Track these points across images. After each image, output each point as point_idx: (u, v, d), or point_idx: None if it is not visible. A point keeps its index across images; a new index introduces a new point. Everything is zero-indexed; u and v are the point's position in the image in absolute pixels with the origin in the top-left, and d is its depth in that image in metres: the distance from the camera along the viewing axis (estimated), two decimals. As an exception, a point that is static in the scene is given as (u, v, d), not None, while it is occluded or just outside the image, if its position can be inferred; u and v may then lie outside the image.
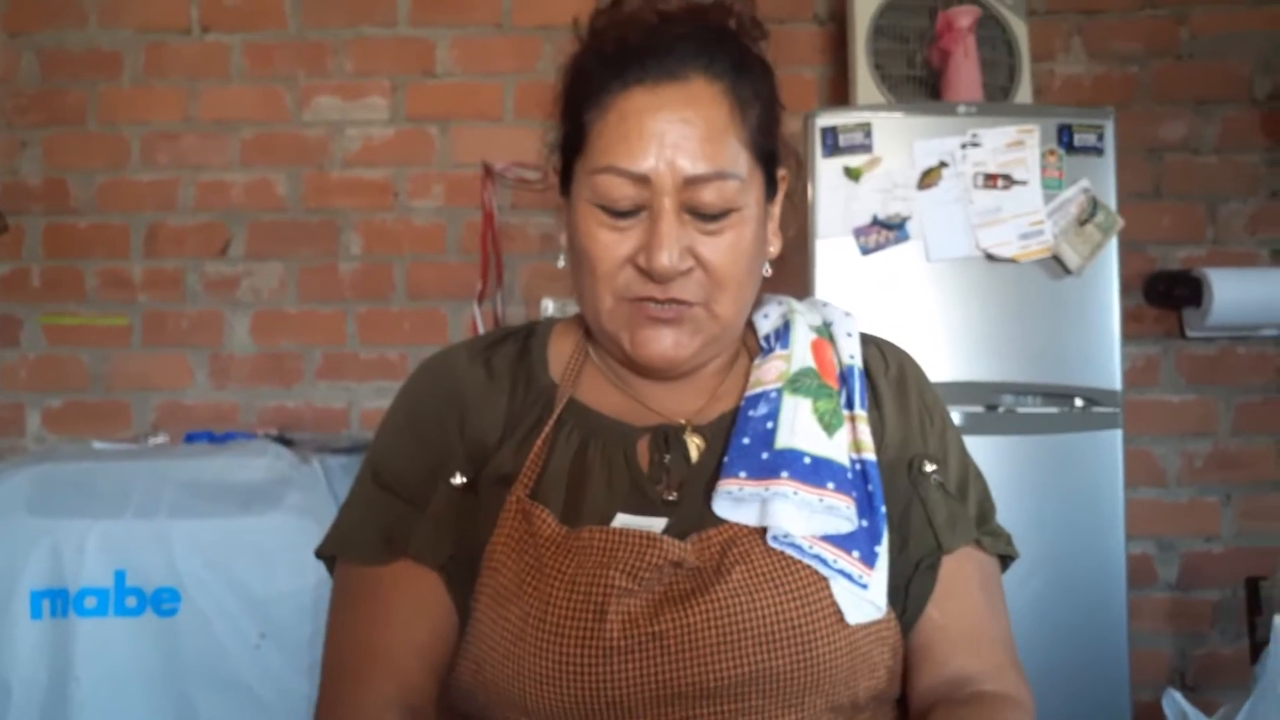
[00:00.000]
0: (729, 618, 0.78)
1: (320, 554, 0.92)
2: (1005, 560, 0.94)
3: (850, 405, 0.89)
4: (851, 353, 0.93)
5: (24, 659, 1.90)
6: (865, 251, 2.04)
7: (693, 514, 0.85)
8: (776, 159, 0.91)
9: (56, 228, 2.66)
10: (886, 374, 0.94)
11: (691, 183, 0.82)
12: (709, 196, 0.83)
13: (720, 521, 0.83)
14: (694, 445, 0.89)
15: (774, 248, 0.94)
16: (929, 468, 0.90)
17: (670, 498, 0.86)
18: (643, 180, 0.82)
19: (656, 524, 0.84)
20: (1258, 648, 2.21)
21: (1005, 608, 0.91)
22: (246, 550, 1.95)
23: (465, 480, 0.88)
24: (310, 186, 2.66)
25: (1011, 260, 2.03)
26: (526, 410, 0.91)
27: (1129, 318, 2.44)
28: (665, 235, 0.82)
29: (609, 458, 0.88)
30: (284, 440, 2.32)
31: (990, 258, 2.04)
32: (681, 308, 0.85)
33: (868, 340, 0.96)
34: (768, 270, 0.93)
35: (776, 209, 0.94)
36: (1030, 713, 0.84)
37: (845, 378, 0.91)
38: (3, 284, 2.66)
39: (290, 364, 2.65)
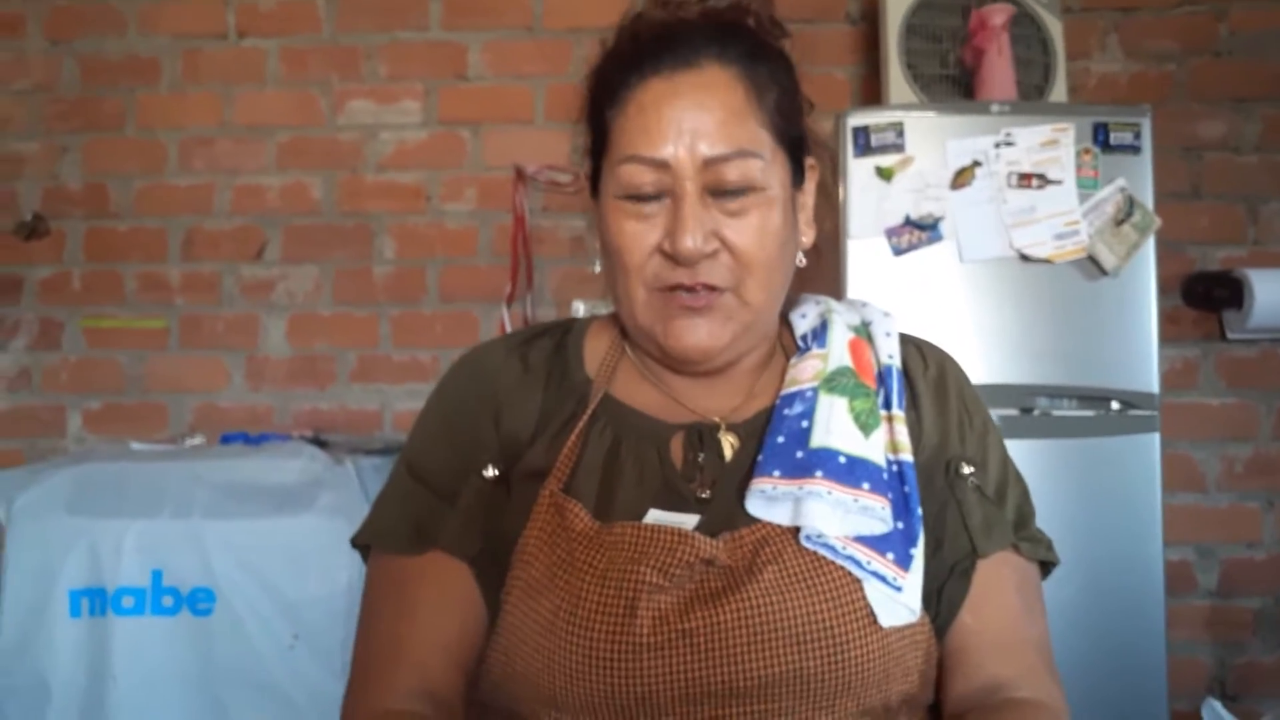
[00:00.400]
0: (760, 617, 0.78)
1: (355, 543, 0.93)
2: (1046, 566, 0.92)
3: (888, 405, 0.89)
4: (890, 352, 0.92)
5: (63, 658, 1.93)
6: (898, 252, 2.03)
7: (725, 512, 0.84)
8: (803, 146, 0.91)
9: (96, 232, 2.71)
10: (925, 374, 0.93)
11: (711, 164, 0.83)
12: (731, 175, 0.83)
13: (753, 520, 0.83)
14: (728, 443, 0.89)
15: (807, 238, 0.93)
16: (966, 470, 0.89)
17: (703, 495, 0.86)
18: (663, 166, 0.83)
19: (688, 521, 0.84)
20: (1301, 655, 2.18)
21: (1043, 614, 0.90)
22: (280, 551, 1.97)
23: (498, 473, 0.88)
24: (344, 190, 2.69)
25: (1046, 261, 2.02)
26: (561, 405, 0.91)
27: (1167, 320, 2.40)
28: (688, 217, 0.83)
29: (642, 454, 0.88)
30: (318, 442, 2.34)
31: (1024, 258, 2.02)
32: (712, 295, 0.85)
33: (907, 340, 0.95)
34: (801, 260, 0.92)
35: (808, 198, 0.94)
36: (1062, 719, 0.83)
37: (883, 377, 0.91)
38: (45, 287, 2.71)
39: (324, 366, 2.68)
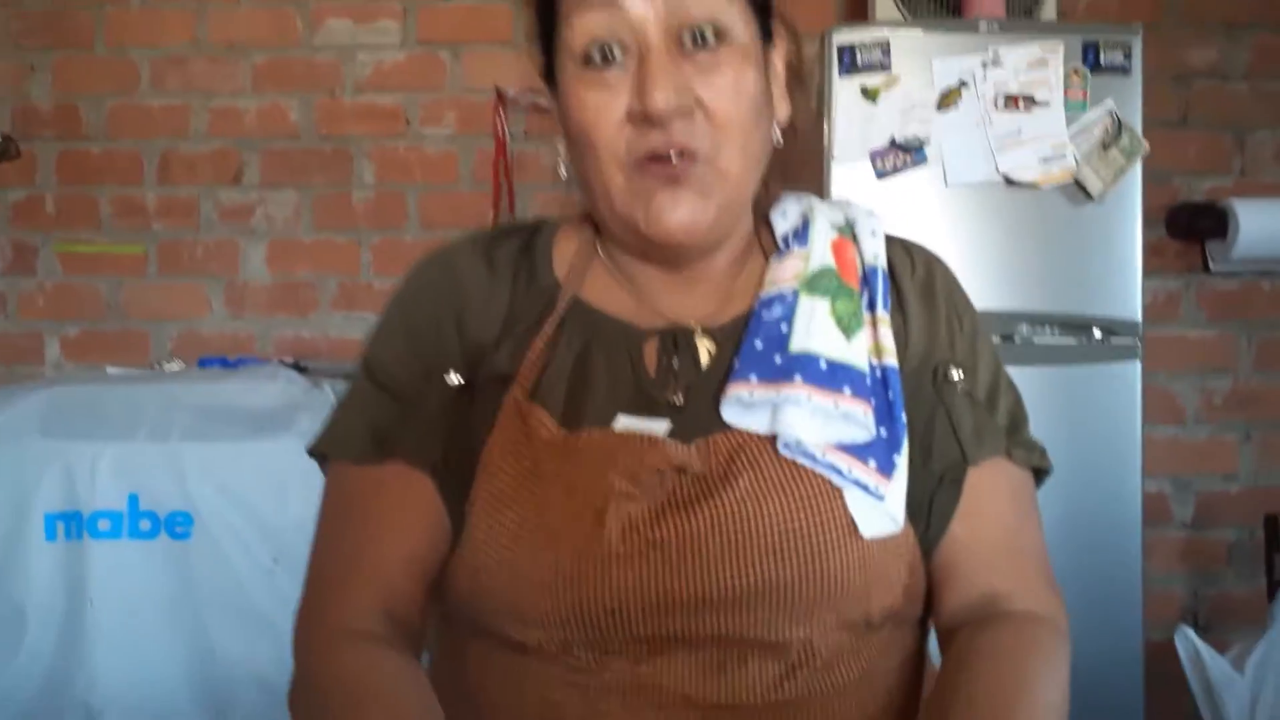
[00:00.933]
0: (734, 526, 0.75)
1: (312, 452, 0.89)
2: (1040, 474, 0.89)
3: (872, 307, 0.85)
4: (875, 252, 0.87)
5: (39, 582, 1.92)
6: (881, 175, 2.01)
7: (700, 419, 0.81)
8: (769, 10, 0.87)
9: (69, 154, 2.66)
10: (913, 276, 0.89)
11: (674, 8, 0.78)
12: (696, 12, 0.79)
13: (729, 428, 0.80)
14: (704, 349, 0.85)
15: (781, 112, 0.89)
16: (955, 375, 0.86)
17: (676, 402, 0.82)
18: (617, 11, 0.78)
19: (659, 427, 0.80)
20: (1275, 585, 2.20)
21: (1038, 522, 0.86)
22: (258, 474, 1.96)
23: (461, 381, 0.84)
24: (322, 113, 2.64)
25: (1032, 185, 2.00)
26: (527, 308, 0.87)
27: (1150, 251, 2.37)
28: (656, 71, 0.77)
29: (613, 360, 0.84)
30: (297, 367, 2.33)
31: (1010, 182, 2.00)
32: (688, 164, 0.80)
33: (893, 241, 0.90)
34: (778, 139, 0.89)
35: (780, 64, 0.90)
36: (1061, 632, 0.80)
37: (868, 278, 0.86)
38: (18, 211, 2.67)
39: (305, 294, 2.66)
